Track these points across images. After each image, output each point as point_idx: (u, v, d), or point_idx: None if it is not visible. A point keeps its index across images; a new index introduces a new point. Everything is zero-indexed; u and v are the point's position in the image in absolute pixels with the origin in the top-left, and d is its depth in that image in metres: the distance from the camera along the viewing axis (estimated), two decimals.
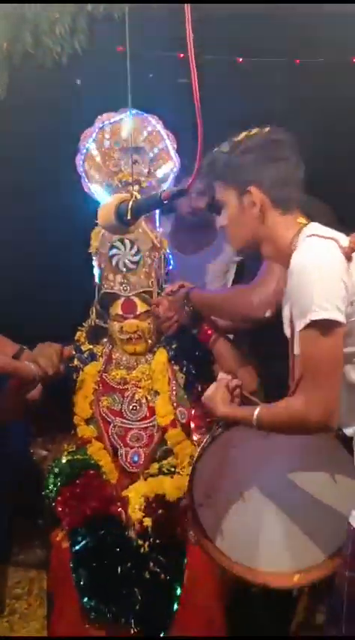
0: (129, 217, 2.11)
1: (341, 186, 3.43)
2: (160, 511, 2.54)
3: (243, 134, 2.12)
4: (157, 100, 2.78)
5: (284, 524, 2.33)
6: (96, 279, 2.83)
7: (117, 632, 2.41)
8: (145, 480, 2.64)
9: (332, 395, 1.95)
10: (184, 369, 2.80)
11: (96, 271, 2.83)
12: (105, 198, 2.60)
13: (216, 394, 2.25)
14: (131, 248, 2.74)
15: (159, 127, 2.76)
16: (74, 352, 2.83)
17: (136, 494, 2.59)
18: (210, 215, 3.75)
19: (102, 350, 2.86)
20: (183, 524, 2.53)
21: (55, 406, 2.78)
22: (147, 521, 2.53)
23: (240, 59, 3.22)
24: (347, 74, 3.24)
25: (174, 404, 2.74)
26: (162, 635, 2.42)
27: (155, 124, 2.76)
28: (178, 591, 2.45)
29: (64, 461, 2.69)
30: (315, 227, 2.06)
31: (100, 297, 2.82)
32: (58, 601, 2.53)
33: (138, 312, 2.76)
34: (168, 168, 2.77)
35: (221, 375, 2.34)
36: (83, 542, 2.50)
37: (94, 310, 2.87)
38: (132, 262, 2.75)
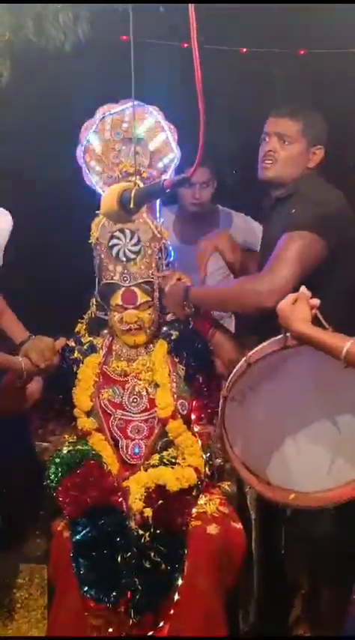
0: (132, 205, 2.10)
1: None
2: (161, 501, 2.54)
3: None
4: (159, 90, 2.78)
5: (311, 443, 2.37)
6: (96, 270, 2.82)
7: (117, 621, 2.42)
8: (146, 470, 2.64)
9: None
10: (184, 360, 2.79)
11: (96, 262, 2.82)
12: (105, 189, 2.60)
13: (296, 308, 2.21)
14: (131, 238, 2.73)
15: (160, 118, 2.75)
16: (71, 343, 2.82)
17: (137, 485, 2.59)
18: (213, 205, 3.74)
19: (102, 342, 2.85)
20: (184, 513, 2.53)
21: (56, 399, 2.79)
22: (148, 512, 2.53)
23: (244, 49, 3.20)
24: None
25: (175, 395, 2.73)
26: (160, 625, 2.42)
27: (156, 115, 2.75)
28: (179, 581, 2.45)
29: (65, 451, 2.69)
30: None
31: (100, 288, 2.81)
32: (59, 590, 2.53)
33: (138, 303, 2.75)
34: (169, 159, 2.77)
35: (302, 289, 2.26)
36: (83, 532, 2.50)
37: (94, 301, 2.87)
38: (132, 252, 2.74)
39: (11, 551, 3.43)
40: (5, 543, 3.27)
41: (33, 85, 2.95)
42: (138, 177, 2.64)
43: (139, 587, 2.42)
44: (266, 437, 2.41)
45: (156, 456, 2.68)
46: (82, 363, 2.79)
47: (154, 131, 2.75)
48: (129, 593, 2.42)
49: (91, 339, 2.86)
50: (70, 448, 2.70)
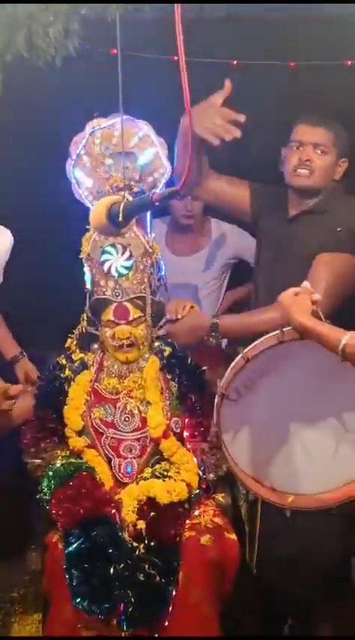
0: (121, 219, 2.11)
1: None
2: (153, 514, 2.54)
3: None
4: (150, 104, 2.79)
5: (310, 443, 2.37)
6: (88, 285, 2.81)
7: (108, 634, 2.42)
8: (137, 483, 2.64)
9: None
10: (176, 378, 2.78)
11: (87, 277, 2.81)
12: (95, 204, 2.60)
13: (298, 300, 2.21)
14: (123, 253, 2.71)
15: (151, 132, 2.75)
16: (62, 360, 2.81)
17: (129, 497, 2.59)
18: (205, 218, 3.76)
19: (93, 358, 2.83)
20: (177, 525, 2.54)
21: (48, 418, 2.78)
22: (141, 524, 2.53)
23: (234, 62, 3.22)
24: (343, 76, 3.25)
25: (169, 414, 2.72)
26: (155, 637, 2.43)
27: (146, 129, 2.75)
28: (173, 592, 2.45)
29: (58, 464, 2.68)
30: None
31: (91, 303, 2.80)
32: (54, 602, 2.53)
33: (130, 318, 2.73)
34: (159, 174, 2.76)
35: (305, 284, 2.27)
36: (76, 544, 2.50)
37: (85, 316, 2.85)
38: (124, 268, 2.72)
39: (6, 565, 3.43)
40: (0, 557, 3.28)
41: (24, 99, 2.96)
42: (128, 191, 2.63)
43: (132, 599, 2.41)
44: (264, 436, 2.39)
45: (149, 470, 2.68)
46: (73, 381, 2.78)
47: (144, 145, 2.74)
48: (121, 605, 2.41)
49: (82, 355, 2.83)
50: (63, 462, 2.69)
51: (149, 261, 2.76)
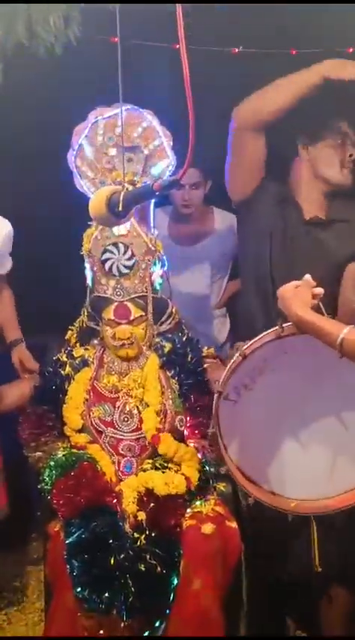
0: (120, 209, 2.09)
1: None
2: (152, 505, 2.54)
3: None
4: (152, 93, 2.77)
5: (296, 450, 2.35)
6: (88, 281, 2.79)
7: (108, 623, 2.42)
8: (137, 475, 2.65)
9: None
10: (176, 376, 2.77)
11: (87, 273, 2.79)
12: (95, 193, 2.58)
13: (298, 293, 2.17)
14: (125, 252, 2.69)
15: (155, 123, 2.71)
16: (63, 357, 2.80)
17: (129, 489, 2.60)
18: (207, 207, 3.74)
19: (93, 354, 2.82)
20: (176, 516, 2.54)
21: (48, 416, 2.77)
22: (142, 515, 2.53)
23: (236, 49, 3.19)
24: None
25: (173, 412, 2.71)
26: (155, 625, 2.43)
27: (150, 119, 2.70)
28: (175, 582, 2.46)
29: (60, 454, 2.68)
30: None
31: (92, 300, 2.78)
32: (56, 591, 2.54)
33: (132, 318, 2.72)
34: (164, 165, 2.72)
35: (307, 277, 2.20)
36: (77, 534, 2.50)
37: (85, 311, 2.83)
38: (126, 267, 2.70)
39: (8, 554, 3.44)
40: (2, 546, 3.29)
41: (25, 88, 2.94)
42: (131, 187, 2.58)
43: (133, 589, 2.42)
44: (264, 439, 2.38)
45: (150, 461, 2.68)
46: (73, 379, 2.77)
47: (148, 136, 2.70)
48: (122, 595, 2.41)
49: (83, 351, 2.82)
50: (66, 452, 2.69)
51: (151, 259, 2.74)
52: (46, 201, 3.30)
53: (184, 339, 2.82)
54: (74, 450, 2.70)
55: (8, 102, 2.79)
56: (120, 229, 2.69)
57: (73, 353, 2.83)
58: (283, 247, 2.89)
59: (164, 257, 2.81)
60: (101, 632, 2.42)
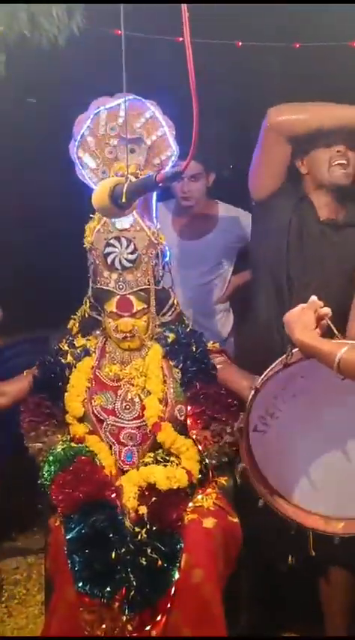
0: (123, 200, 2.08)
1: None
2: (154, 499, 2.53)
3: None
4: (156, 84, 2.75)
5: (336, 467, 2.33)
6: (91, 272, 2.78)
7: (110, 617, 2.41)
8: (138, 469, 2.64)
9: None
10: (180, 365, 2.76)
11: (90, 264, 2.77)
12: (98, 184, 2.57)
13: (301, 316, 2.14)
14: (128, 246, 2.68)
15: (158, 113, 2.69)
16: (64, 346, 2.80)
17: (129, 483, 2.59)
18: (212, 201, 3.72)
19: (95, 344, 2.82)
20: (178, 510, 2.53)
21: (46, 404, 2.76)
22: (143, 510, 2.52)
23: (239, 43, 3.19)
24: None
25: (174, 401, 2.70)
26: (156, 619, 2.42)
27: (153, 110, 2.68)
28: (175, 576, 2.45)
29: (58, 449, 2.68)
30: None
31: (94, 292, 2.78)
32: (58, 585, 2.52)
33: (134, 311, 2.72)
34: (166, 155, 2.70)
35: (312, 299, 2.17)
36: (77, 529, 2.49)
37: (87, 302, 2.83)
38: (128, 261, 2.69)
39: (10, 547, 3.44)
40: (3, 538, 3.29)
41: (27, 79, 2.94)
42: (134, 179, 2.57)
43: (134, 583, 2.41)
44: (300, 462, 2.38)
45: (151, 454, 2.67)
46: (75, 367, 2.76)
47: (151, 127, 2.68)
48: (123, 589, 2.41)
49: (85, 341, 2.82)
50: (64, 446, 2.68)
51: (153, 252, 2.73)
52: (48, 192, 3.29)
53: (187, 330, 2.83)
54: (73, 444, 2.69)
55: (10, 93, 2.77)
56: (123, 223, 2.68)
57: (75, 342, 2.83)
58: (299, 241, 2.88)
59: (166, 248, 2.80)
60: (103, 626, 2.41)
